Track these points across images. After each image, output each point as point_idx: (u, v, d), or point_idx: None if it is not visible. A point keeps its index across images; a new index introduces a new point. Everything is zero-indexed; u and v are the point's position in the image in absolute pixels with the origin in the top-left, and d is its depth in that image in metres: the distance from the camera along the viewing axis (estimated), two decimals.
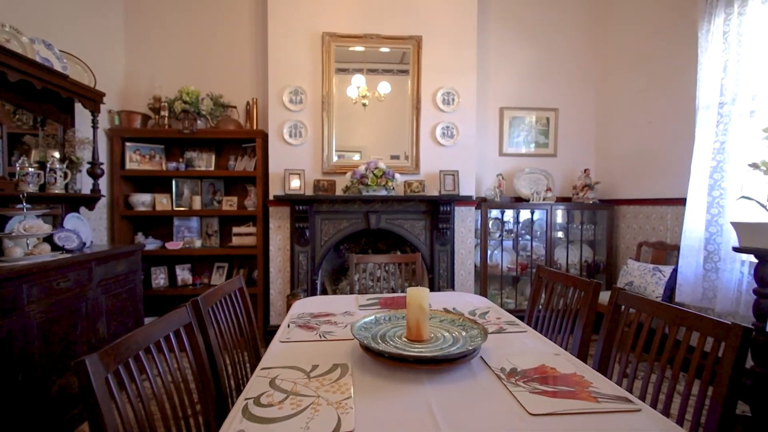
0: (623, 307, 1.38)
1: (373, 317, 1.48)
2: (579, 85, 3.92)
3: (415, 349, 1.22)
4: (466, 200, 3.32)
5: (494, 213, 3.68)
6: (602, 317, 1.44)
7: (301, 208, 3.17)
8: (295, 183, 3.22)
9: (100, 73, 3.20)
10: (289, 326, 1.60)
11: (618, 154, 3.66)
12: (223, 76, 3.60)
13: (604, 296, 3.00)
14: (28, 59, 2.16)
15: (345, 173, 3.22)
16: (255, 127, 3.42)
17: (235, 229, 3.51)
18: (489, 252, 3.62)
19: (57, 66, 2.51)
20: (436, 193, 3.36)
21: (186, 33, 3.61)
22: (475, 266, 3.56)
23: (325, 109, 3.28)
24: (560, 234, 3.70)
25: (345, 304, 1.90)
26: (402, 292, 2.38)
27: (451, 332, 1.38)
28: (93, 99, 2.75)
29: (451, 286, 3.38)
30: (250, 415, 0.89)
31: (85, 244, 2.58)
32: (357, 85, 3.16)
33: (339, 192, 3.30)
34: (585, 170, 3.69)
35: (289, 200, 3.17)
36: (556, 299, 1.76)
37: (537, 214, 3.67)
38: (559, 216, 3.74)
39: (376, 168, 3.12)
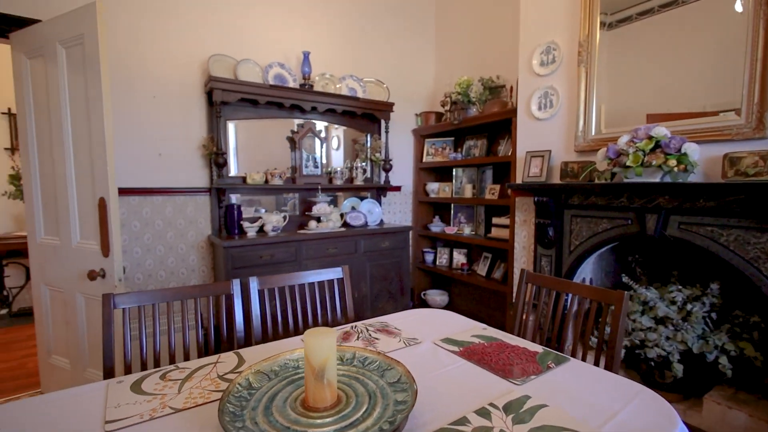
0: None
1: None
2: None
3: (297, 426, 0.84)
4: None
5: None
6: None
7: (540, 199, 2.50)
8: (535, 168, 2.56)
9: (414, 85, 3.99)
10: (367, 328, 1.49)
11: None
12: (503, 57, 3.37)
13: None
14: (329, 93, 3.14)
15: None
16: (514, 105, 2.99)
17: (495, 220, 3.29)
18: None
19: (359, 92, 3.44)
20: None
21: (472, 27, 3.67)
22: None
23: (583, 62, 2.32)
24: None
25: (439, 330, 1.46)
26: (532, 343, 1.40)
27: (370, 388, 0.85)
28: (383, 110, 3.51)
29: None
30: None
31: (367, 223, 3.42)
32: None
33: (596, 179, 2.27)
34: None
35: (523, 189, 2.58)
36: None
37: None
38: None
39: (647, 137, 1.87)
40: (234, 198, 3.00)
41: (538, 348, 1.29)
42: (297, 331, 1.64)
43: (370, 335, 1.42)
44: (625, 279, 2.19)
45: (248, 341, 1.49)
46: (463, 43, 3.82)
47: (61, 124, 1.95)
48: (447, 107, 3.67)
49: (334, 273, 1.75)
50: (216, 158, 2.72)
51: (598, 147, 2.25)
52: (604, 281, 2.60)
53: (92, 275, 1.90)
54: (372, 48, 3.72)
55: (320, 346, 0.86)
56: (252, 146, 3.09)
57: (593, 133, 2.32)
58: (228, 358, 1.23)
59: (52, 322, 2.15)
